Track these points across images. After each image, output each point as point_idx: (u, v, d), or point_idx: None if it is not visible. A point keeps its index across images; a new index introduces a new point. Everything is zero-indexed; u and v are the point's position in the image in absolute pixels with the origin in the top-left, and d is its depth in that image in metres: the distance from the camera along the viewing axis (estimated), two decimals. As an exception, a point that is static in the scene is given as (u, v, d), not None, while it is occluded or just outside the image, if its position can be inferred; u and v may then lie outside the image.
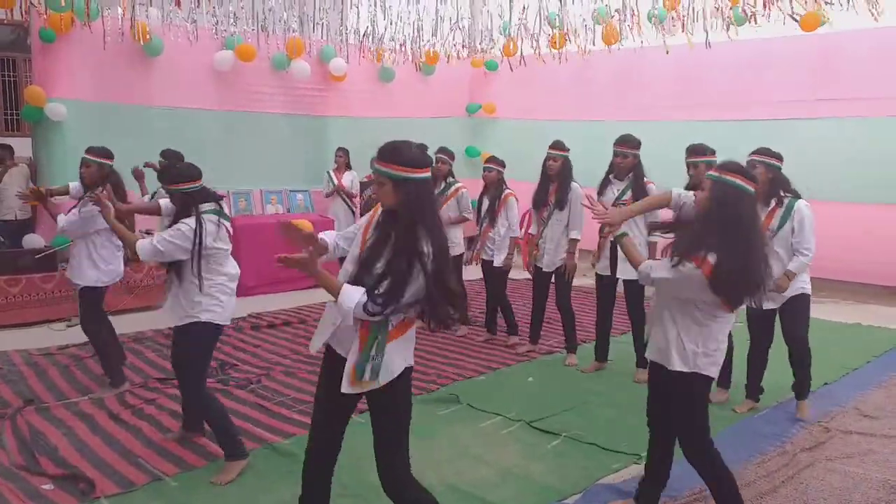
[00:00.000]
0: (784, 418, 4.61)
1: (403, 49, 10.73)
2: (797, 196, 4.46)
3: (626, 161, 5.31)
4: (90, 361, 5.68)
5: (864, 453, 4.08)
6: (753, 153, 4.49)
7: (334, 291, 2.54)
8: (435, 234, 2.56)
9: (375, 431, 2.73)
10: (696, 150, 4.95)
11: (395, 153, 2.61)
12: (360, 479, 3.66)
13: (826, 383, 5.29)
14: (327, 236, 2.89)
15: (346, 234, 2.90)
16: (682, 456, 3.99)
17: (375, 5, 9.96)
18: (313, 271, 2.55)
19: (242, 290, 8.08)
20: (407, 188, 2.58)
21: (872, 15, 7.66)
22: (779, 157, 4.48)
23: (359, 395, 2.75)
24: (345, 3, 10.20)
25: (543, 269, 5.90)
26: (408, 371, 2.74)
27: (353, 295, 2.51)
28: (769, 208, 4.43)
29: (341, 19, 10.06)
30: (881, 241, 7.94)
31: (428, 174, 2.65)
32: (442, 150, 6.74)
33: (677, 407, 3.14)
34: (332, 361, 2.78)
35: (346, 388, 2.64)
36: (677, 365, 3.02)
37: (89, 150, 4.99)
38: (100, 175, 4.90)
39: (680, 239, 3.00)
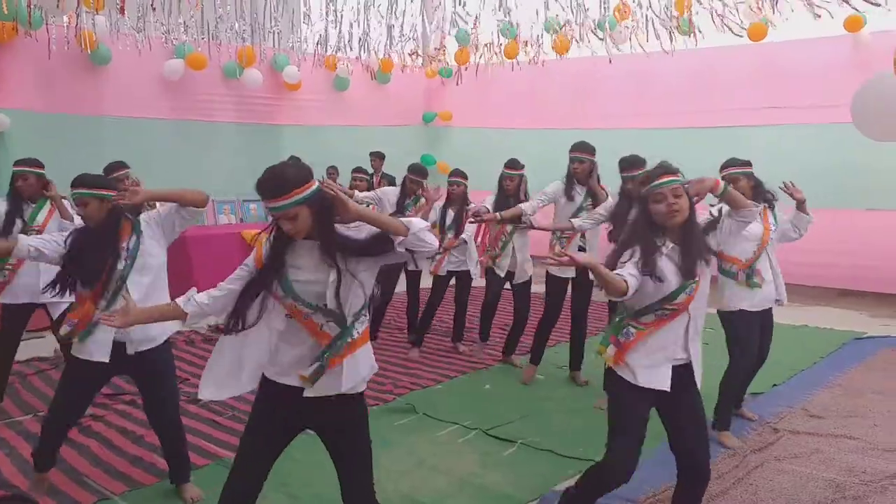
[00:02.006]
0: (734, 420, 4.67)
1: (359, 59, 10.73)
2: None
3: (584, 166, 5.36)
4: (35, 378, 5.53)
5: (812, 453, 4.17)
6: (730, 166, 4.47)
7: (399, 227, 2.38)
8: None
9: (348, 457, 2.64)
10: (634, 164, 4.88)
11: (291, 180, 2.38)
12: (312, 492, 3.61)
13: (775, 385, 5.40)
14: (189, 303, 2.58)
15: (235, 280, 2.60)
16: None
17: (327, 14, 9.93)
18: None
19: (195, 303, 8.06)
20: (317, 202, 2.42)
21: (815, 15, 7.92)
22: (750, 164, 4.54)
23: (301, 426, 2.66)
24: (296, 12, 10.14)
25: (516, 282, 5.92)
26: (362, 394, 2.67)
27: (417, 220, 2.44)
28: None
29: (291, 26, 10.00)
30: (828, 244, 8.14)
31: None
32: (412, 169, 6.60)
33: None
34: (274, 394, 2.59)
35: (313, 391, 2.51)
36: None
37: (23, 162, 4.72)
38: (39, 186, 4.72)
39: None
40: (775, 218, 4.54)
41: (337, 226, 2.47)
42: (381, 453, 4.15)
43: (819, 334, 7.02)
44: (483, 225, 6.20)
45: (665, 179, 2.87)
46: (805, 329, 7.19)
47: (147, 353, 3.42)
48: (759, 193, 4.48)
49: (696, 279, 2.86)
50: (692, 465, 3.01)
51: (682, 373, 2.97)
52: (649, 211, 2.91)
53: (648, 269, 2.81)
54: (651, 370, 2.95)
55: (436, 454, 4.24)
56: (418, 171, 6.59)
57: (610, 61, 9.52)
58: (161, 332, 3.44)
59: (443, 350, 6.49)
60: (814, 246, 8.20)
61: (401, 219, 2.42)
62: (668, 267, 2.85)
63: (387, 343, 6.68)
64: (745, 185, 4.42)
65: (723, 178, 4.40)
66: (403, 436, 4.51)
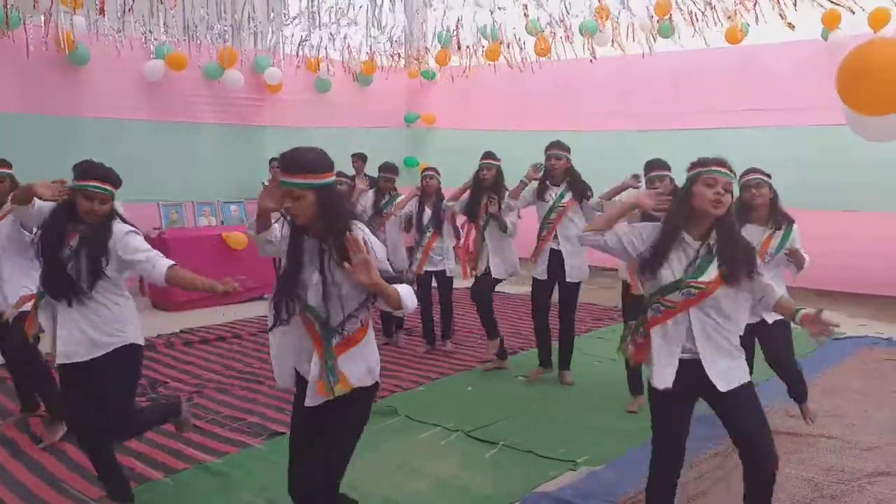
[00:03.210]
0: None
1: (342, 61, 10.72)
2: (791, 219, 4.40)
3: (560, 163, 5.41)
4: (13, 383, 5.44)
5: (791, 452, 4.20)
6: (752, 171, 4.28)
7: (394, 297, 2.45)
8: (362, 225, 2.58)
9: (327, 444, 2.65)
10: (657, 165, 4.82)
11: (310, 162, 2.48)
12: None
13: (755, 385, 5.43)
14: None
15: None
16: (612, 459, 4.06)
17: (309, 15, 9.90)
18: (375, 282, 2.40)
19: (175, 305, 8.02)
20: (327, 196, 2.49)
21: (784, 22, 8.05)
22: (769, 175, 4.32)
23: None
24: (276, 13, 10.09)
25: (494, 276, 5.89)
26: (373, 387, 2.72)
27: (408, 291, 2.50)
28: (769, 231, 4.33)
29: (271, 27, 9.96)
30: (806, 245, 8.16)
31: (334, 177, 2.57)
32: (384, 168, 6.68)
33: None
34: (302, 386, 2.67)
35: (312, 401, 2.57)
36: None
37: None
38: (11, 190, 4.54)
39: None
40: (785, 239, 4.35)
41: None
42: (362, 456, 4.12)
43: (797, 334, 7.02)
44: (470, 227, 6.26)
45: (723, 170, 2.82)
46: (784, 329, 7.24)
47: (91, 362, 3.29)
48: (776, 209, 4.31)
49: (706, 285, 2.76)
50: (749, 449, 3.00)
51: (695, 368, 2.86)
52: (692, 193, 2.81)
53: (656, 252, 2.80)
54: (661, 370, 2.87)
55: (417, 456, 4.23)
56: (390, 170, 6.67)
57: (593, 60, 9.60)
58: (98, 342, 3.30)
59: (424, 352, 6.48)
60: (791, 247, 8.35)
61: (397, 288, 2.45)
62: (675, 259, 2.81)
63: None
64: (766, 193, 4.23)
65: (744, 184, 4.24)
66: (385, 438, 4.49)
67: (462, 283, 6.74)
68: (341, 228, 2.47)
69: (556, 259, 5.44)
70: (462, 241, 6.39)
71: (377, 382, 2.72)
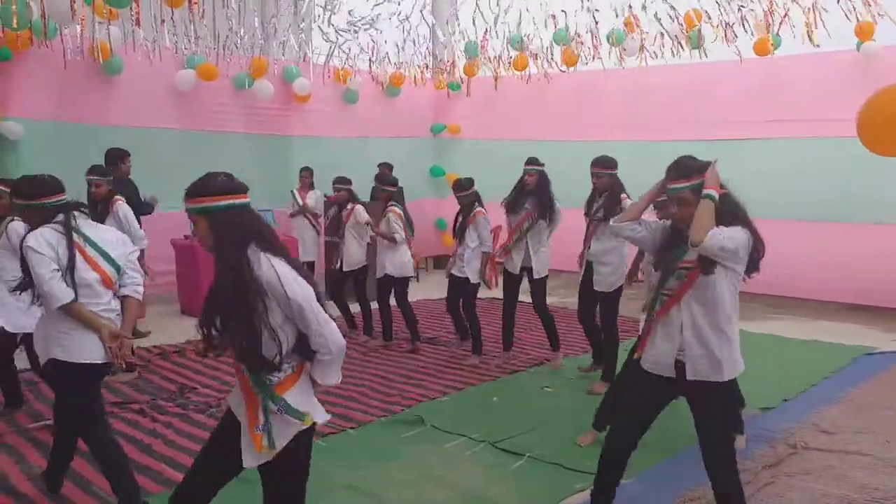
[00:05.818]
0: (748, 436, 4.62)
1: (370, 72, 10.82)
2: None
3: (600, 181, 5.56)
4: (45, 386, 5.52)
5: (823, 469, 4.13)
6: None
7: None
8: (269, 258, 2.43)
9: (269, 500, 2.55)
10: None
11: (201, 187, 2.40)
12: None
13: (785, 399, 5.36)
14: None
15: None
16: (639, 471, 4.01)
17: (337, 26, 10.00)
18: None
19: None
20: (221, 221, 2.41)
21: (812, 42, 8.03)
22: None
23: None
24: (306, 19, 10.19)
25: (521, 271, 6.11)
26: (306, 432, 2.50)
27: None
28: None
29: (301, 38, 10.06)
30: (836, 258, 8.11)
31: (238, 200, 2.45)
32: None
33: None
34: (228, 420, 2.62)
35: (249, 462, 2.48)
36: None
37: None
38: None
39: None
40: None
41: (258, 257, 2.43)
42: (387, 465, 4.18)
43: (829, 349, 6.95)
44: (497, 232, 6.35)
45: (672, 184, 3.07)
46: (815, 344, 7.13)
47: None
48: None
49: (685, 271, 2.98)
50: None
51: (681, 371, 3.04)
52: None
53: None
54: (655, 355, 3.11)
55: (442, 466, 4.22)
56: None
57: (623, 67, 9.61)
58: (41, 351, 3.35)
59: (451, 361, 6.47)
60: (821, 260, 8.22)
61: None
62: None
63: (394, 354, 6.68)
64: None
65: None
66: (410, 447, 4.49)
67: (488, 293, 6.74)
68: (224, 259, 2.41)
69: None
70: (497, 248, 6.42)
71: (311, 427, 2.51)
